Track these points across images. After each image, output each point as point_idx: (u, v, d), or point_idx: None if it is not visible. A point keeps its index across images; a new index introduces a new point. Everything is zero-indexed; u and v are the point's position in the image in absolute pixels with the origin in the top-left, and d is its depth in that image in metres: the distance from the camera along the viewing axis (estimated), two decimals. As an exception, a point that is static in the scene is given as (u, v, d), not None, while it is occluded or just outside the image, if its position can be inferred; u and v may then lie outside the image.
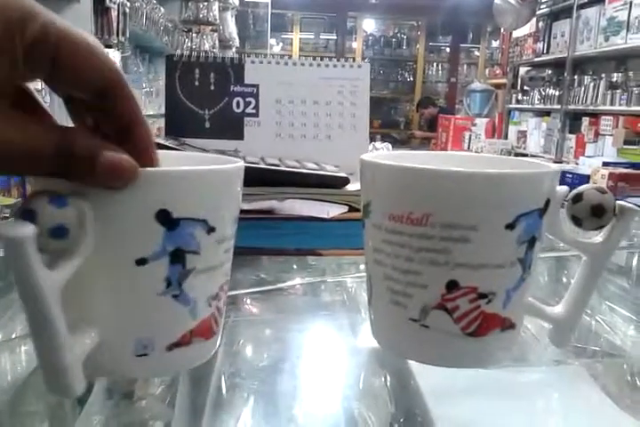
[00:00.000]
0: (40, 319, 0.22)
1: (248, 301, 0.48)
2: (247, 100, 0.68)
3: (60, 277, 0.22)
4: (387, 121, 6.92)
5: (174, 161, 0.31)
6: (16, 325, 0.42)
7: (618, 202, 0.32)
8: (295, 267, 0.57)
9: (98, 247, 0.24)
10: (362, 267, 0.57)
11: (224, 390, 0.34)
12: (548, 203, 0.31)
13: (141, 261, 0.25)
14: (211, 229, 0.27)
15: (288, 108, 0.69)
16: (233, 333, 0.42)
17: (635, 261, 0.83)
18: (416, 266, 0.30)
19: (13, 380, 0.35)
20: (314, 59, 0.70)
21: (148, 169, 0.25)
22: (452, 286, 0.30)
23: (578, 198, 0.31)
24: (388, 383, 0.37)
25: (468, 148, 4.07)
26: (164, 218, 0.25)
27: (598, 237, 0.33)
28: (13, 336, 0.40)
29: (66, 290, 0.23)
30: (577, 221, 0.32)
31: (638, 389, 0.39)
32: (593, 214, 0.31)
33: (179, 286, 0.27)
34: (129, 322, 0.27)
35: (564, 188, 0.32)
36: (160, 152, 0.27)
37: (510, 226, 0.29)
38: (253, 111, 0.68)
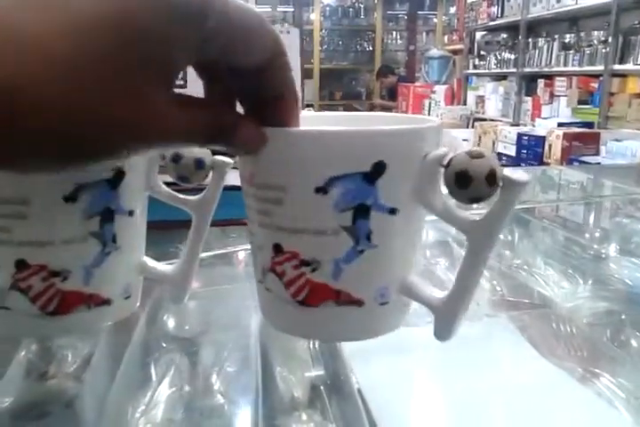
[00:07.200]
0: None
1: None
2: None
3: None
4: (348, 92, 6.87)
5: None
6: None
7: (504, 171, 0.25)
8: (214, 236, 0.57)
9: None
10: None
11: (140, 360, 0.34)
12: (380, 166, 0.26)
13: None
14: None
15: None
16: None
17: (579, 214, 0.85)
18: (253, 227, 0.29)
19: None
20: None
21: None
22: (277, 249, 0.28)
23: (447, 164, 0.26)
24: (311, 346, 0.37)
25: (429, 115, 4.07)
26: None
27: (476, 213, 0.27)
28: None
29: None
30: (449, 191, 0.26)
31: (562, 338, 0.40)
32: (457, 183, 0.25)
33: None
34: None
35: (442, 150, 0.27)
36: None
37: (321, 189, 0.26)
38: (182, 82, 0.67)
